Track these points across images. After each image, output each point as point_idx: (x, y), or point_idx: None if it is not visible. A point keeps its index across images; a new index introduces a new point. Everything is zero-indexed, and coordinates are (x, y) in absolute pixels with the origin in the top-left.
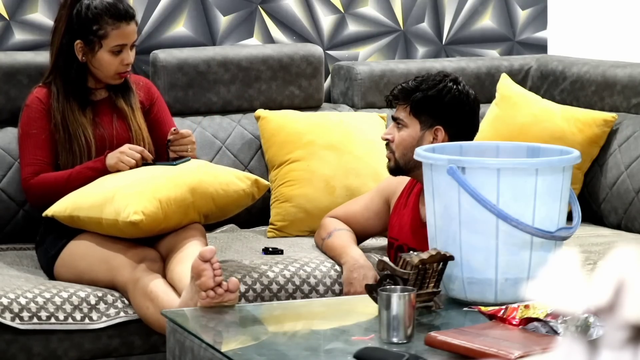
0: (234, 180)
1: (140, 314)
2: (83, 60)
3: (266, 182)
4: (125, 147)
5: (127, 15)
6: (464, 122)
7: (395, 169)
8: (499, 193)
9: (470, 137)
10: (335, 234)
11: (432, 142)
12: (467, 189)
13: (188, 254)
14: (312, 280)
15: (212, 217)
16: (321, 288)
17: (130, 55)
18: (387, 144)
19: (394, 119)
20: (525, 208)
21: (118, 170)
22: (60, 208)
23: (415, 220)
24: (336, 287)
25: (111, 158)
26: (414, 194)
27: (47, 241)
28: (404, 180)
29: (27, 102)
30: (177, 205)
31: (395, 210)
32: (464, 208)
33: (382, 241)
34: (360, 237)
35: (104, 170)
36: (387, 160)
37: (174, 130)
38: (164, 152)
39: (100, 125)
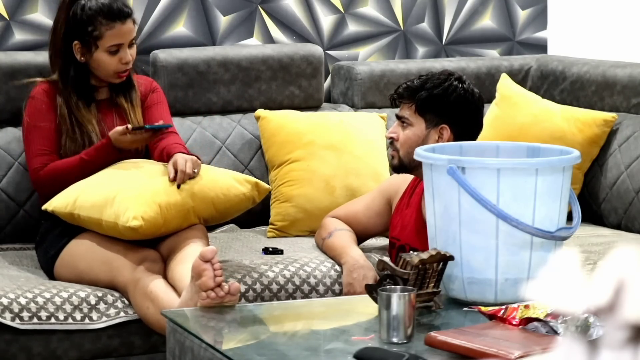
0: (234, 184)
1: (140, 314)
2: (82, 60)
3: (267, 186)
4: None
5: (121, 15)
6: (470, 121)
7: (399, 167)
8: (499, 193)
9: (475, 136)
10: (335, 234)
11: (437, 141)
12: (467, 189)
13: (189, 254)
14: (312, 280)
15: (212, 221)
16: (321, 288)
17: (127, 54)
18: (390, 142)
19: (399, 117)
20: (525, 208)
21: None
22: (61, 204)
23: (419, 220)
24: (336, 287)
25: (120, 142)
26: (417, 193)
27: (46, 241)
28: (406, 180)
29: (31, 94)
30: (176, 210)
31: (398, 210)
32: (464, 208)
33: (383, 241)
34: (361, 237)
35: (114, 148)
36: (390, 157)
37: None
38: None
39: (103, 123)
